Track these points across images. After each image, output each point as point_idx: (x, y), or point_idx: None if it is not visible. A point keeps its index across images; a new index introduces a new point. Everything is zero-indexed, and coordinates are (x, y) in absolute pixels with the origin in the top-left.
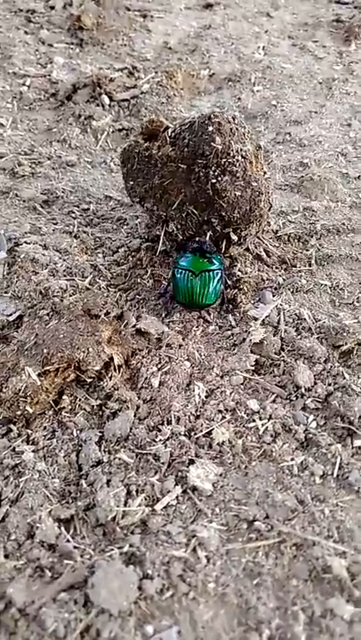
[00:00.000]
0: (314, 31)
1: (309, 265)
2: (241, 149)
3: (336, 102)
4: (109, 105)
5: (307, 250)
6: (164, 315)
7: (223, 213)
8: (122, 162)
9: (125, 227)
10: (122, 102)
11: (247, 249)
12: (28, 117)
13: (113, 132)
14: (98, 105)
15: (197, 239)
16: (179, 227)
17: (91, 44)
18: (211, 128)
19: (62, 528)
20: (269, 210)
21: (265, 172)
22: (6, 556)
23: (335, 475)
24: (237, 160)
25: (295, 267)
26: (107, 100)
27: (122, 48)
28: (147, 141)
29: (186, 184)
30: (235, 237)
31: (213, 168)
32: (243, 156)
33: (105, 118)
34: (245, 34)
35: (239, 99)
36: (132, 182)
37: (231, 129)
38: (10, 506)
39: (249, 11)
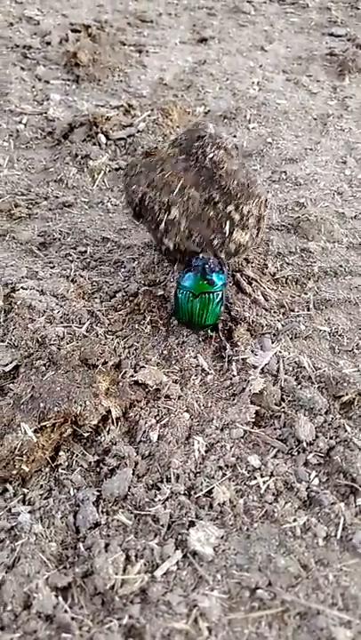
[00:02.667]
0: (308, 65)
1: (308, 309)
2: (231, 141)
3: (331, 139)
4: (106, 144)
5: (305, 293)
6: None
7: (223, 183)
8: (125, 173)
9: (123, 270)
10: (118, 141)
11: (244, 292)
12: (24, 156)
13: (110, 171)
14: (94, 144)
15: (202, 256)
16: (182, 211)
17: (87, 81)
18: (202, 125)
19: (60, 597)
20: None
21: None
22: (2, 629)
23: (339, 536)
24: (230, 142)
25: (293, 311)
26: (103, 139)
27: (118, 84)
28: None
29: (185, 171)
30: (237, 217)
31: (210, 146)
32: (234, 144)
33: (102, 157)
34: (240, 68)
35: (235, 136)
36: (134, 186)
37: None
38: (6, 572)
39: (243, 45)
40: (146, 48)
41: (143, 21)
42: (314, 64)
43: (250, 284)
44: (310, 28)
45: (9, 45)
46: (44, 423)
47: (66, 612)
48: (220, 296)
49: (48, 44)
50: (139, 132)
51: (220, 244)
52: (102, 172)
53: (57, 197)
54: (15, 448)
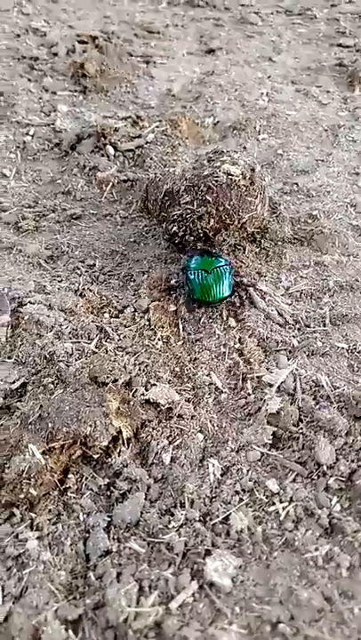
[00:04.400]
0: (317, 76)
1: (324, 325)
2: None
3: (343, 150)
4: (114, 155)
5: (321, 308)
6: (186, 311)
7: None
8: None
9: (132, 283)
10: (127, 152)
11: (257, 307)
12: (31, 168)
13: (118, 182)
14: (102, 155)
15: (200, 246)
16: (182, 226)
17: (94, 92)
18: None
19: (70, 631)
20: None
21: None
22: None
23: None
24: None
25: (309, 327)
26: (111, 151)
27: (125, 95)
28: None
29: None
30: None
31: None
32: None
33: (110, 169)
34: (248, 79)
35: (245, 147)
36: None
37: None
38: (13, 603)
39: (251, 55)
40: (153, 59)
41: (150, 32)
42: (323, 75)
43: (263, 298)
44: (318, 39)
45: (16, 57)
46: (52, 444)
47: None
48: (229, 268)
49: (55, 55)
50: (147, 143)
51: None
52: (110, 184)
53: (65, 209)
54: (23, 471)
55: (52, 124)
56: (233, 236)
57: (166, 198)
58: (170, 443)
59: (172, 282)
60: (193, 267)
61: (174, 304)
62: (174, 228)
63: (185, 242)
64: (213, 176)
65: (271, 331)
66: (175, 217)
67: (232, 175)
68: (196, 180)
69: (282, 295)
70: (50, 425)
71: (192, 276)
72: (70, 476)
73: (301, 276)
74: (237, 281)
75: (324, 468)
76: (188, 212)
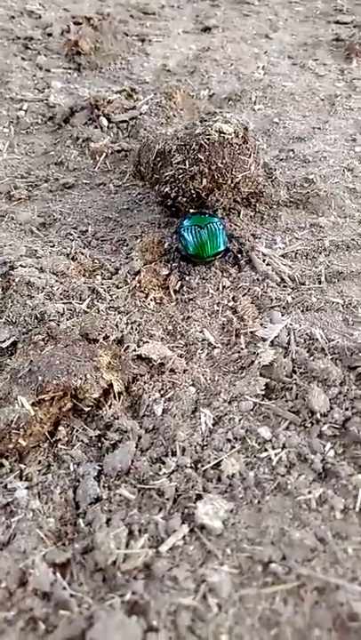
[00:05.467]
0: (314, 50)
1: (319, 282)
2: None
3: (340, 118)
4: (108, 127)
5: (316, 267)
6: (180, 275)
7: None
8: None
9: (125, 247)
10: (120, 124)
11: (253, 267)
12: (25, 141)
13: (112, 153)
14: (96, 127)
15: (192, 211)
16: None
17: (88, 69)
18: None
19: (58, 574)
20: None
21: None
22: None
23: (357, 508)
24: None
25: (304, 284)
26: (105, 122)
27: (120, 72)
28: None
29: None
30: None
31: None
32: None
33: (103, 140)
34: (245, 55)
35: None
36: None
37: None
38: (1, 549)
39: (247, 33)
40: (149, 37)
41: (146, 14)
42: (320, 49)
43: (263, 261)
44: (316, 17)
45: (10, 37)
46: (42, 396)
47: (64, 588)
48: (222, 224)
49: (49, 35)
50: (141, 114)
51: None
52: (104, 155)
53: (57, 179)
54: (12, 421)
55: (46, 99)
56: (226, 196)
57: (158, 159)
58: (162, 396)
59: (166, 245)
60: (186, 224)
61: (167, 268)
62: (166, 189)
63: (178, 203)
64: (205, 134)
65: (266, 289)
66: (167, 178)
67: (224, 133)
68: (188, 139)
69: (277, 256)
70: (40, 378)
71: (185, 233)
72: (61, 428)
73: (297, 238)
74: (234, 241)
75: (318, 415)
76: (180, 171)
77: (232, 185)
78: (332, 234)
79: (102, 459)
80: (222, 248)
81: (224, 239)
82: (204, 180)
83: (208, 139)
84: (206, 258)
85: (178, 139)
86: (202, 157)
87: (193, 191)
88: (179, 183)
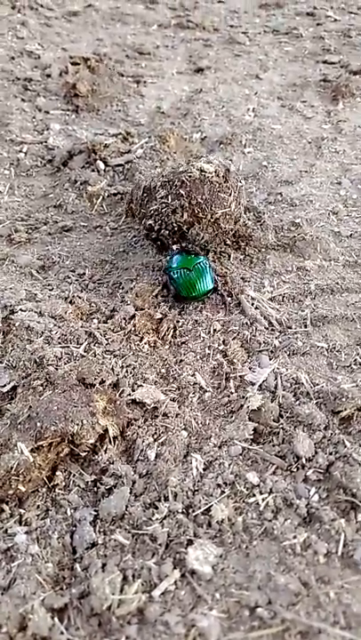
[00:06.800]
0: (302, 91)
1: (305, 326)
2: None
3: (326, 161)
4: (104, 170)
5: (302, 310)
6: (173, 318)
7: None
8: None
9: (120, 290)
10: (116, 167)
11: (243, 310)
12: (25, 184)
13: (108, 196)
14: (93, 170)
15: (177, 246)
16: (157, 220)
17: (86, 111)
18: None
19: (56, 619)
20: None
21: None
22: None
23: (340, 553)
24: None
25: (291, 328)
26: (102, 166)
27: (116, 113)
28: None
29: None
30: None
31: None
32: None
33: (100, 183)
34: (235, 97)
35: (231, 160)
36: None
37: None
38: (2, 594)
39: (238, 73)
40: (144, 79)
41: (141, 54)
42: (308, 90)
43: (252, 305)
44: (304, 57)
45: (10, 78)
46: (40, 442)
47: (62, 633)
48: (208, 263)
49: (48, 76)
50: (137, 158)
51: None
52: (101, 197)
53: (56, 222)
54: (12, 468)
55: (45, 141)
56: (207, 231)
57: (145, 195)
58: (155, 440)
59: (156, 292)
60: (175, 267)
61: (160, 312)
62: (150, 222)
63: (161, 236)
64: (187, 172)
65: (255, 332)
66: (152, 212)
67: (205, 172)
68: (172, 176)
69: (265, 299)
70: (38, 424)
71: (175, 275)
72: (58, 473)
73: (284, 281)
74: (222, 287)
75: (303, 460)
76: (163, 205)
77: (212, 220)
78: (318, 277)
79: (98, 503)
80: (212, 286)
81: (212, 277)
82: (185, 214)
83: (190, 176)
84: (198, 297)
85: (163, 176)
86: (183, 192)
87: (175, 224)
88: (162, 216)
